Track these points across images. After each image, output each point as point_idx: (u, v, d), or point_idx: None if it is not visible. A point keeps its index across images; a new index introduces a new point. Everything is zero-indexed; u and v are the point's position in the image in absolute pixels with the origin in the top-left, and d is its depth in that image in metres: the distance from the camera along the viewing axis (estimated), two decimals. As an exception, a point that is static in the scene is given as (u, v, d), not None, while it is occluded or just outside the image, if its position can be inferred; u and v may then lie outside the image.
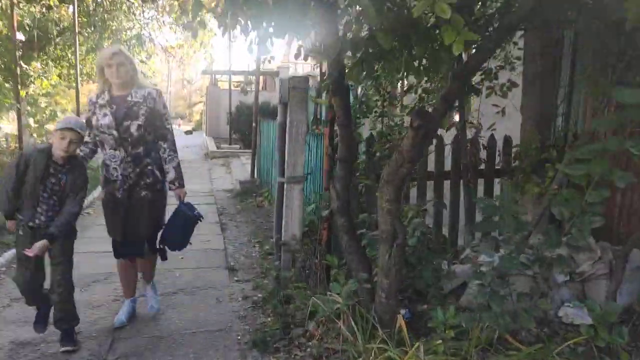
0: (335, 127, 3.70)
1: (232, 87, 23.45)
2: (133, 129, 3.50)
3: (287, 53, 33.04)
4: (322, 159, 4.58)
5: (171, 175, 3.74)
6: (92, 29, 11.27)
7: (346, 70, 2.81)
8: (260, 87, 27.50)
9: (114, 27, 11.77)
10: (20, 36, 13.93)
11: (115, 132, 3.49)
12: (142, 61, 13.45)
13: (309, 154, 5.52)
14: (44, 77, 8.06)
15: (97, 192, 8.74)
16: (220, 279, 4.84)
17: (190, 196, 8.96)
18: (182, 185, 3.84)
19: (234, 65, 22.38)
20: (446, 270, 3.54)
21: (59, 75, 14.09)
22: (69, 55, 13.00)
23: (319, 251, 3.75)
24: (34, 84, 8.10)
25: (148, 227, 3.73)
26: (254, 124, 9.88)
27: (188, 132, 32.85)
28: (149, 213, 3.70)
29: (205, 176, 11.86)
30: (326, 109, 4.10)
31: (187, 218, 3.86)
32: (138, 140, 3.54)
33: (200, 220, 3.97)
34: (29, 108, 8.79)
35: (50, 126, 17.82)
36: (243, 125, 16.19)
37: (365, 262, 3.08)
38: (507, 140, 4.41)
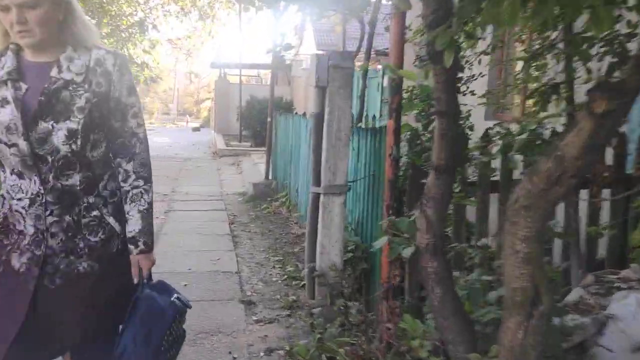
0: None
1: (242, 81, 22.39)
2: (59, 136, 1.70)
3: (298, 48, 31.90)
4: (372, 164, 3.46)
5: (134, 225, 1.86)
6: (90, 13, 10.20)
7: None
8: (267, 81, 26.43)
9: (113, 12, 10.70)
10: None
11: (22, 141, 1.68)
12: (145, 51, 12.40)
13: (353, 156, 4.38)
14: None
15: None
16: (234, 317, 3.72)
17: (197, 200, 7.83)
18: (149, 248, 1.90)
19: (243, 58, 21.32)
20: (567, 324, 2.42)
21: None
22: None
23: (385, 296, 2.61)
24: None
25: (90, 331, 1.83)
26: (269, 119, 8.77)
27: (195, 129, 31.87)
28: (95, 306, 1.82)
29: (214, 177, 10.76)
30: (386, 92, 2.95)
31: (163, 314, 1.87)
32: (70, 161, 1.74)
33: (189, 308, 2.03)
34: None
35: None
36: (254, 122, 15.09)
37: (469, 333, 1.95)
38: None
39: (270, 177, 8.86)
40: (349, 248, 3.37)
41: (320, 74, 3.33)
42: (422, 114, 3.28)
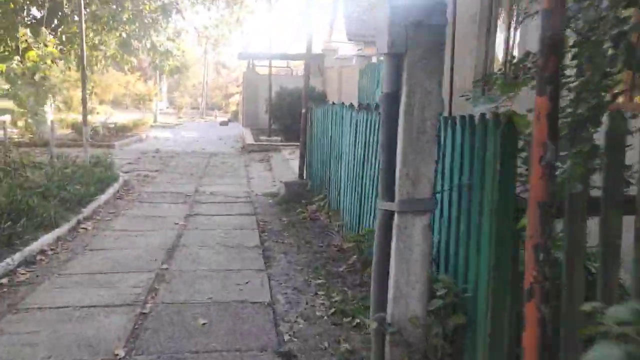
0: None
1: (271, 72, 21.41)
2: None
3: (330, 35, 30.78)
4: (466, 169, 2.37)
5: None
6: (109, -3, 9.38)
7: None
8: (297, 73, 25.33)
9: (135, -5, 9.85)
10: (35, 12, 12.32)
11: None
12: (169, 39, 11.53)
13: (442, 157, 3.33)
14: (36, 47, 6.12)
15: (104, 196, 6.80)
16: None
17: (223, 202, 6.82)
18: None
19: (272, 49, 20.36)
20: None
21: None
22: (90, 33, 11.24)
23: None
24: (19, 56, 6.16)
25: None
26: (303, 110, 7.73)
27: (223, 123, 31.18)
28: None
29: (242, 174, 9.81)
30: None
31: None
32: None
33: None
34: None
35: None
36: (284, 115, 14.09)
37: None
38: None
39: (304, 176, 7.84)
40: (438, 293, 2.29)
41: (395, 35, 2.26)
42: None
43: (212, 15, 16.53)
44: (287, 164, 10.82)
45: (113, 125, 16.13)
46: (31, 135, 12.87)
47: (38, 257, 4.46)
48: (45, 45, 5.89)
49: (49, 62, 6.16)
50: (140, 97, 31.44)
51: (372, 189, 4.57)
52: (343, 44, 25.36)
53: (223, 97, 71.86)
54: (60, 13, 11.11)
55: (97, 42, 12.73)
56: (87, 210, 5.97)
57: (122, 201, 7.11)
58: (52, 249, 4.72)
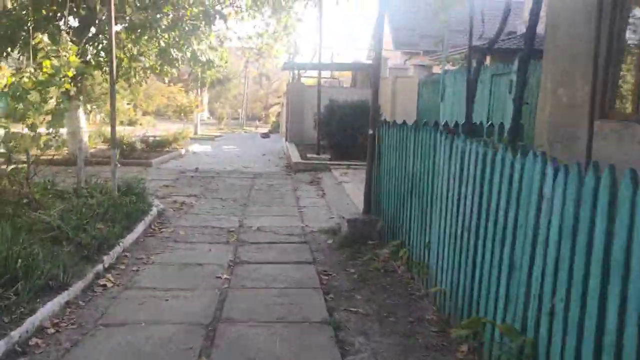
0: None
1: (312, 83, 20.18)
2: None
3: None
4: None
5: None
6: (148, 1, 8.35)
7: None
8: (342, 84, 24.03)
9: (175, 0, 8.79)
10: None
11: None
12: (211, 48, 10.48)
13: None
14: (55, 56, 5.06)
15: (132, 235, 5.65)
16: None
17: (273, 242, 5.45)
18: None
19: (317, 59, 19.03)
20: None
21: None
22: (125, 41, 10.31)
23: None
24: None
25: None
26: (370, 131, 6.35)
27: (265, 136, 30.28)
28: None
29: (291, 202, 8.55)
30: None
31: None
32: None
33: None
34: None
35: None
36: (334, 130, 12.81)
37: None
38: None
39: (370, 208, 6.48)
40: None
41: None
42: None
43: (257, 24, 15.49)
44: (341, 188, 9.50)
45: (152, 140, 15.29)
46: (67, 152, 12.09)
47: (33, 341, 3.27)
48: (66, 54, 4.93)
49: (69, 73, 5.14)
50: (181, 109, 30.96)
51: (491, 255, 3.18)
52: (387, 52, 23.91)
53: (262, 108, 71.79)
54: (97, 21, 10.25)
55: (135, 52, 11.86)
56: (108, 259, 4.80)
57: (153, 240, 5.94)
58: (54, 325, 3.53)
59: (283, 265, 5.13)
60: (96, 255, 4.71)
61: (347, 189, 9.22)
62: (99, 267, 4.57)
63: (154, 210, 6.84)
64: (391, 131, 5.81)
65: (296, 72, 18.29)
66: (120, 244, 5.17)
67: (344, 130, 12.79)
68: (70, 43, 5.59)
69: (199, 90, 28.05)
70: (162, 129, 27.55)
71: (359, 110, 12.81)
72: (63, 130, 10.48)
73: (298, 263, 5.24)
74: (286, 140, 17.54)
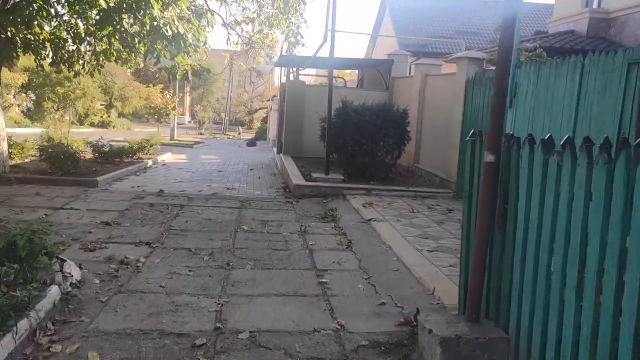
0: None
1: (308, 82, 16.86)
2: None
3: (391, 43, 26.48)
4: None
5: None
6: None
7: None
8: (349, 84, 20.81)
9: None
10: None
11: None
12: (182, 19, 7.20)
13: None
14: None
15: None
16: None
17: None
18: None
19: (311, 52, 15.78)
20: None
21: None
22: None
23: None
24: None
25: None
26: (488, 157, 3.18)
27: (250, 143, 26.98)
28: None
29: (301, 259, 5.32)
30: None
31: None
32: None
33: None
34: None
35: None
36: (350, 141, 9.68)
37: None
38: None
39: (479, 314, 3.29)
40: None
41: None
42: None
43: (251, 7, 12.34)
44: (372, 231, 6.35)
45: (108, 148, 11.94)
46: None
47: None
48: None
49: None
50: (156, 111, 27.46)
51: None
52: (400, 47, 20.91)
53: (247, 113, 68.38)
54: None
55: (81, 30, 8.60)
56: None
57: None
58: None
59: None
60: None
61: (383, 235, 6.06)
62: None
63: (54, 293, 3.56)
64: (549, 160, 2.65)
65: (293, 69, 15.09)
66: None
67: (360, 141, 9.67)
68: None
69: (176, 90, 24.72)
70: (136, 133, 24.04)
71: (380, 115, 9.71)
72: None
73: None
74: (279, 151, 14.33)
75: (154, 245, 5.40)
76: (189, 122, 63.49)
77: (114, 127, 38.95)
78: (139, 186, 9.18)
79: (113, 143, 15.79)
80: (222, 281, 4.43)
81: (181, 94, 46.36)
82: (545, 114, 6.48)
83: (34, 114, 28.75)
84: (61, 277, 3.81)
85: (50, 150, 9.33)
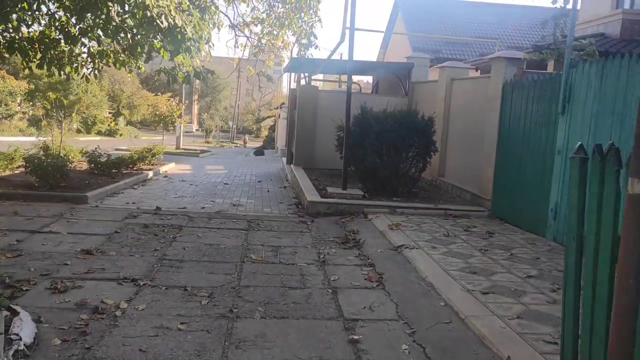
0: None
1: (320, 87, 15.84)
2: None
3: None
4: None
5: None
6: None
7: None
8: (367, 89, 19.81)
9: None
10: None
11: None
12: (180, 8, 6.23)
13: None
14: None
15: None
16: None
17: None
18: None
19: (322, 54, 14.82)
20: None
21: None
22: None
23: None
24: None
25: None
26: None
27: (258, 152, 26.05)
28: None
29: (323, 302, 4.26)
30: None
31: None
32: None
33: None
34: None
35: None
36: (370, 152, 8.64)
37: None
38: None
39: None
40: None
41: None
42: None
43: (260, 7, 11.38)
44: (405, 262, 5.28)
45: (106, 159, 10.99)
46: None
47: None
48: None
49: None
50: (161, 119, 26.61)
51: None
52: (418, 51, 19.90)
53: (254, 122, 67.55)
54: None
55: (75, 30, 7.68)
56: None
57: None
58: None
59: None
60: None
61: (420, 268, 4.99)
62: None
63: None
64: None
65: (306, 75, 14.11)
66: None
67: (382, 152, 8.63)
68: None
69: (182, 97, 23.88)
70: (142, 141, 23.28)
71: (404, 124, 8.67)
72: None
73: None
74: (289, 162, 13.32)
75: (141, 283, 4.36)
76: (197, 130, 62.89)
77: (121, 135, 38.22)
78: (134, 202, 8.18)
79: (115, 152, 14.89)
80: (224, 339, 3.39)
81: (187, 102, 45.64)
82: (619, 121, 5.37)
83: (40, 122, 28.01)
84: (2, 344, 2.78)
85: (36, 161, 8.38)
